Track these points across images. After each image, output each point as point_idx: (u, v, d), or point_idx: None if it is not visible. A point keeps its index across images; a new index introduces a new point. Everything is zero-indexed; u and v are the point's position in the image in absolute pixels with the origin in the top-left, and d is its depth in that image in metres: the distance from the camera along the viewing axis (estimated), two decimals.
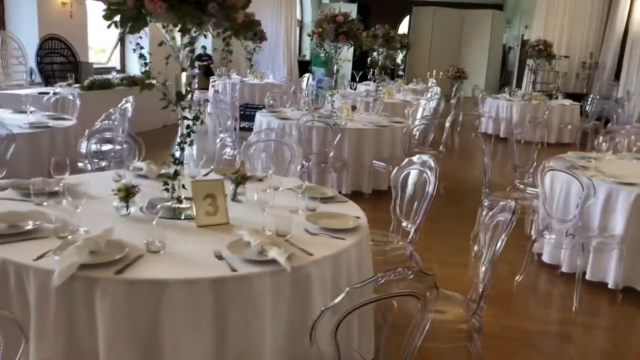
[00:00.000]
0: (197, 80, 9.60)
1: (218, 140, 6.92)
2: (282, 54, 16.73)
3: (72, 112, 6.27)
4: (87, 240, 2.10)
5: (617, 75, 14.31)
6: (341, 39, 6.26)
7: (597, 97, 11.15)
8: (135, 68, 13.18)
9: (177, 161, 2.68)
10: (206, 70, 15.29)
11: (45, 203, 2.69)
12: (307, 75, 13.10)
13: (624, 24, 14.17)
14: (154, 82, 2.61)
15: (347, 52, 9.68)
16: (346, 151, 5.84)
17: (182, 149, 2.70)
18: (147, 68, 2.61)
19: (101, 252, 2.11)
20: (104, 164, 4.91)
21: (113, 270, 2.00)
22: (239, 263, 2.14)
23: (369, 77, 13.52)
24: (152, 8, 2.32)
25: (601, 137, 7.30)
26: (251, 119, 7.78)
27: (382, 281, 1.63)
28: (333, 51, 6.46)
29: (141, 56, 2.58)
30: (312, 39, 6.51)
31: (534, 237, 4.76)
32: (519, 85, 17.10)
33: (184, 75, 2.67)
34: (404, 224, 3.46)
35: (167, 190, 2.70)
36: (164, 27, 2.53)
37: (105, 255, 2.08)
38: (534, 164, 5.50)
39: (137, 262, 2.09)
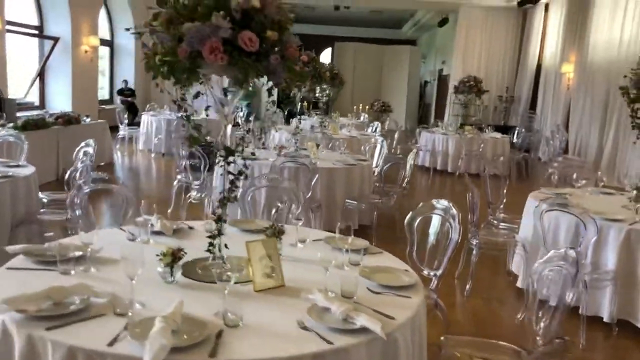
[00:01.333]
0: (126, 117, 9.24)
1: (175, 182, 6.62)
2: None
3: (18, 156, 5.78)
4: (165, 319, 1.88)
5: (532, 107, 15.26)
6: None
7: (523, 129, 11.79)
8: (58, 104, 12.49)
9: (219, 219, 2.50)
10: (129, 106, 14.76)
11: (72, 272, 2.40)
12: (243, 110, 12.96)
13: (536, 58, 15.18)
14: (207, 138, 2.42)
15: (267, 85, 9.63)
16: (319, 191, 5.76)
17: (225, 205, 2.52)
18: (192, 123, 2.41)
19: (182, 330, 1.89)
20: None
21: (205, 352, 1.80)
22: (326, 332, 2.00)
23: (298, 112, 13.69)
24: (211, 60, 2.16)
25: (549, 169, 7.69)
26: (191, 156, 7.44)
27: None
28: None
29: (187, 118, 2.39)
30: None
31: (515, 272, 4.91)
32: (438, 118, 17.80)
33: (229, 128, 2.51)
34: (424, 271, 3.41)
35: (210, 251, 2.51)
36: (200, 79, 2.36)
37: (189, 335, 1.87)
38: (504, 200, 5.65)
39: (223, 339, 1.90)
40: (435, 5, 17.15)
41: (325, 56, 23.49)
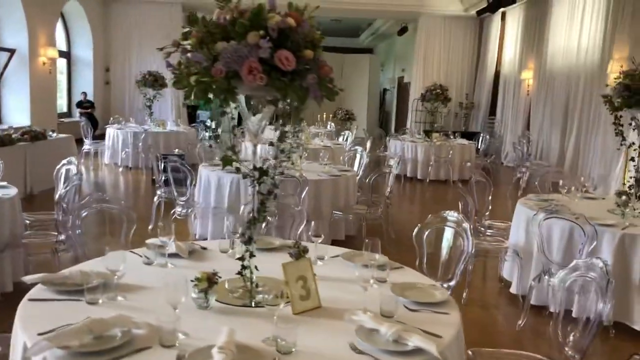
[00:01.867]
0: (90, 130, 9.01)
1: (156, 198, 6.47)
2: (170, 99, 16.19)
3: None
4: (223, 349, 1.82)
5: (492, 113, 15.63)
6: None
7: (487, 136, 12.05)
8: (16, 118, 12.05)
9: (249, 240, 2.45)
10: (89, 117, 14.37)
11: (100, 301, 2.30)
12: (209, 120, 12.79)
13: (494, 65, 15.57)
14: (243, 163, 2.37)
15: None
16: (306, 203, 5.72)
17: (254, 226, 2.47)
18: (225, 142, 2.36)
19: None
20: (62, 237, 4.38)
21: None
22: (380, 355, 1.97)
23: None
24: (250, 80, 2.11)
25: (517, 174, 7.80)
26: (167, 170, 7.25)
27: None
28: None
29: (216, 138, 2.34)
30: None
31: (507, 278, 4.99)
32: (399, 126, 18.03)
33: (259, 148, 2.46)
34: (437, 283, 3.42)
35: (241, 274, 2.45)
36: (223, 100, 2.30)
37: None
38: (490, 207, 5.74)
39: None
40: (395, 14, 17.38)
41: None
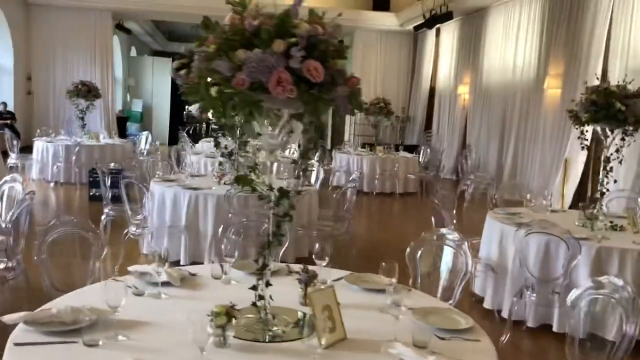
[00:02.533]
0: (16, 143, 8.36)
1: (103, 216, 6.02)
2: (100, 110, 15.44)
3: None
4: None
5: (428, 126, 15.93)
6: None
7: (428, 149, 12.23)
8: None
9: (264, 266, 2.23)
10: (10, 129, 13.44)
11: (100, 342, 2.01)
12: (144, 132, 12.29)
13: (429, 80, 15.90)
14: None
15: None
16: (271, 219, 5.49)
17: (270, 251, 2.26)
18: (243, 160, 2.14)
19: None
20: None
21: None
22: None
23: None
24: (278, 92, 1.91)
25: (464, 186, 7.92)
26: (98, 185, 6.79)
27: None
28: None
29: (230, 155, 2.11)
30: None
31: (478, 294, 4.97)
32: (335, 138, 18.06)
33: (275, 167, 2.25)
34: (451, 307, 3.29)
35: (255, 304, 2.22)
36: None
37: None
38: (454, 220, 5.72)
39: None
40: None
41: None
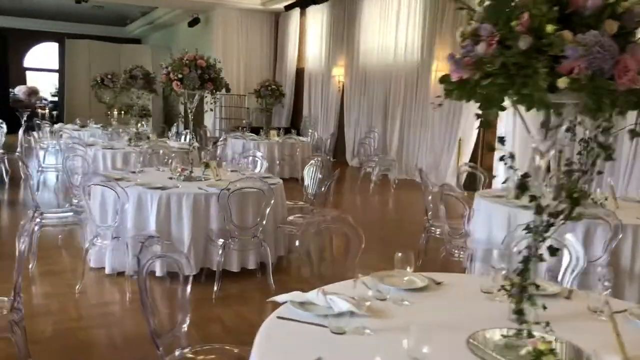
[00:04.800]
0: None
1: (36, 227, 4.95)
2: None
3: None
4: None
5: (296, 109, 15.82)
6: (208, 86, 5.32)
7: (315, 133, 12.13)
8: None
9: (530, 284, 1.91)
10: None
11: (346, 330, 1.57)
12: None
13: (295, 61, 15.73)
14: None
15: None
16: (250, 219, 4.95)
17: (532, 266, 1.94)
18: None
19: None
20: None
21: None
22: None
23: None
24: (625, 84, 1.61)
25: (366, 169, 7.95)
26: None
27: None
28: (187, 101, 5.43)
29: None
30: (167, 86, 5.28)
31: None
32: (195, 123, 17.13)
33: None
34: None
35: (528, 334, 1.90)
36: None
37: None
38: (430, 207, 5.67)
39: None
40: (184, 3, 16.42)
41: (51, 53, 20.78)
